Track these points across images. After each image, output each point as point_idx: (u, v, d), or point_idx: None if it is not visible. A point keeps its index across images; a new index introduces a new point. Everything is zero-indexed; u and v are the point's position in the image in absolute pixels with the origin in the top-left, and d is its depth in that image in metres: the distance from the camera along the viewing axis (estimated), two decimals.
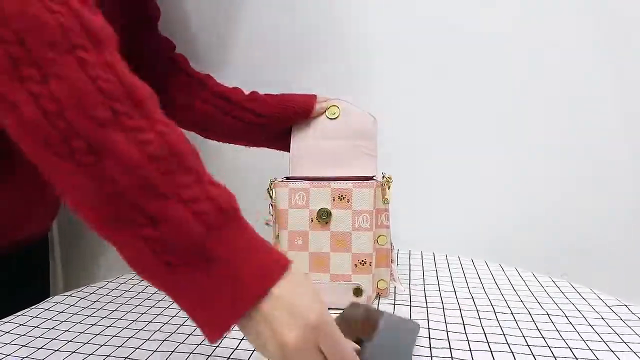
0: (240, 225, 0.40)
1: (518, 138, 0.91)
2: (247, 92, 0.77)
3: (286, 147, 0.74)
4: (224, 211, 0.39)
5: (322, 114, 0.72)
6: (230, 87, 0.78)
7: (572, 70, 0.87)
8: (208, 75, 0.79)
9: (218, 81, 0.79)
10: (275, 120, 0.73)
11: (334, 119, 0.72)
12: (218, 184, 0.40)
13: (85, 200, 0.38)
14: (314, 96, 0.73)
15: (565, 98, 0.88)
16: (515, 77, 0.89)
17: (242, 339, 0.55)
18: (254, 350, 0.53)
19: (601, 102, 0.87)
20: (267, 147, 0.80)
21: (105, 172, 0.37)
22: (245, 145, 0.81)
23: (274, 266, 0.39)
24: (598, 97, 0.87)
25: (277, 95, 0.75)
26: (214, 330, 0.37)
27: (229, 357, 0.52)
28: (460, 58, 0.90)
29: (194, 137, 0.87)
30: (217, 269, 0.37)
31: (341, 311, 0.53)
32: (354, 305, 0.55)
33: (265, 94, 0.76)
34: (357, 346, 0.44)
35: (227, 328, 0.37)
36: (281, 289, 0.38)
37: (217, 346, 0.54)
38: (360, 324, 0.52)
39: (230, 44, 0.96)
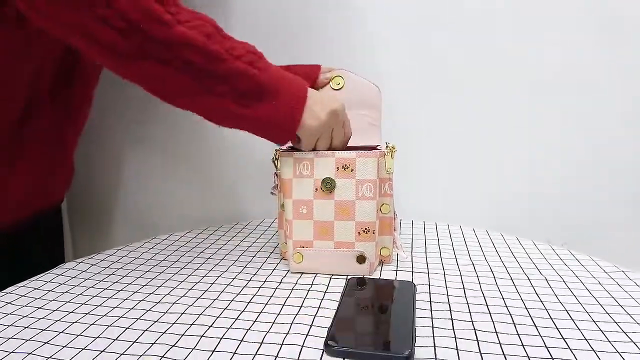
0: (269, 63, 0.59)
1: (521, 114, 0.92)
2: None
3: None
4: (261, 56, 0.58)
5: (326, 84, 0.73)
6: None
7: (576, 51, 0.87)
8: None
9: None
10: None
11: (339, 89, 0.72)
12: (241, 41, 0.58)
13: (174, 87, 0.54)
14: (318, 66, 0.73)
15: (569, 75, 0.89)
16: (519, 54, 0.89)
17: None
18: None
19: (604, 80, 0.88)
20: None
21: (184, 58, 0.52)
22: None
23: (303, 82, 0.60)
24: (601, 76, 0.88)
25: (281, 66, 0.75)
26: (286, 133, 0.60)
27: (236, 319, 0.54)
28: (465, 33, 0.90)
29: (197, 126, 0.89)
30: (275, 95, 0.57)
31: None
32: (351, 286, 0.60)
33: None
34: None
35: (297, 125, 0.59)
36: (312, 93, 0.60)
37: (226, 308, 0.56)
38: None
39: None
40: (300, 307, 0.56)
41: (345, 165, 0.64)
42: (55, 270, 0.68)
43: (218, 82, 0.55)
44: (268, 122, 0.58)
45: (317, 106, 0.60)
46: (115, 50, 0.51)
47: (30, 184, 0.74)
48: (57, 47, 0.68)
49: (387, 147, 0.67)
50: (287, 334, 0.50)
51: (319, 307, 0.56)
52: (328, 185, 0.64)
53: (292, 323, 0.52)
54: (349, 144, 0.69)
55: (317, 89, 0.73)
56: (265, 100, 0.57)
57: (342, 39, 0.94)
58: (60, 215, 0.91)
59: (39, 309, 0.56)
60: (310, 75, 0.72)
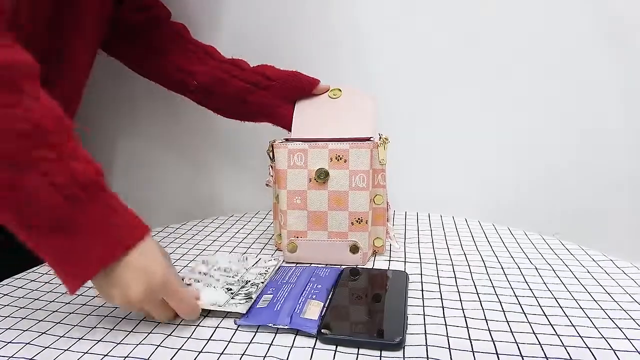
0: (100, 197, 0.45)
1: (515, 103, 0.92)
2: None
3: (287, 124, 0.75)
4: (83, 185, 0.43)
5: (325, 92, 0.75)
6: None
7: (571, 39, 0.88)
8: (212, 47, 0.79)
9: None
10: (284, 86, 0.74)
11: (336, 98, 0.74)
12: (84, 158, 0.45)
13: None
14: (317, 80, 0.75)
15: (563, 65, 0.89)
16: (514, 43, 0.89)
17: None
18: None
19: (598, 67, 0.88)
20: (268, 122, 0.79)
21: None
22: (244, 119, 0.80)
23: (128, 235, 0.46)
24: (595, 63, 0.88)
25: (286, 71, 0.76)
26: (71, 284, 0.44)
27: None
28: (458, 27, 0.90)
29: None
30: (73, 236, 0.43)
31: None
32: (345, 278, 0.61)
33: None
34: (196, 293, 0.54)
35: (79, 284, 0.44)
36: (132, 255, 0.46)
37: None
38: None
39: (224, 43, 0.96)
40: None
41: (339, 156, 0.65)
42: None
43: (6, 191, 0.41)
44: (50, 255, 0.44)
45: (131, 275, 0.46)
46: None
47: None
48: (42, 38, 0.67)
49: (380, 138, 0.68)
50: None
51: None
52: (322, 176, 0.65)
53: None
54: (342, 136, 0.70)
55: (315, 96, 0.76)
56: (59, 232, 0.43)
57: (334, 34, 0.94)
58: None
59: (36, 300, 0.57)
60: (310, 81, 0.74)
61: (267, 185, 0.72)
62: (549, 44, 0.89)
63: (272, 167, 0.70)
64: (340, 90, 0.75)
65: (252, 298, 0.55)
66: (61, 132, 0.43)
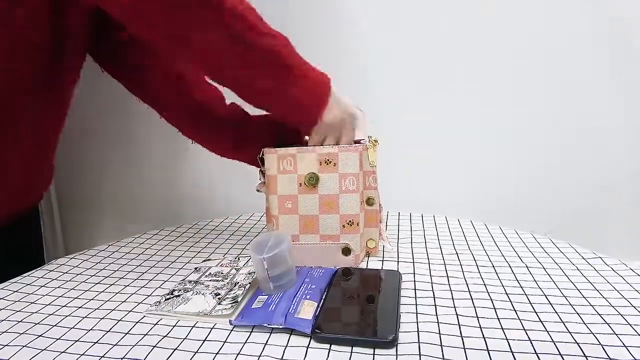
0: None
1: (506, 104, 0.93)
2: None
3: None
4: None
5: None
6: None
7: (571, 38, 0.89)
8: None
9: None
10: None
11: None
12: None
13: (216, 52, 0.57)
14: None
15: (562, 64, 0.90)
16: (514, 43, 0.91)
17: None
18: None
19: (598, 67, 0.89)
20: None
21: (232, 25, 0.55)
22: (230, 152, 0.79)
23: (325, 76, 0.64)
24: (595, 63, 0.89)
25: None
26: (316, 111, 0.63)
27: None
28: (450, 31, 0.91)
29: None
30: (304, 78, 0.61)
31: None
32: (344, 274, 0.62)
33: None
34: None
35: (324, 109, 0.63)
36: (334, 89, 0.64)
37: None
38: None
39: None
40: None
41: (328, 160, 0.66)
42: (47, 267, 0.69)
43: (259, 56, 0.58)
44: (301, 100, 0.62)
45: (338, 102, 0.64)
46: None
47: (12, 183, 0.74)
48: (37, 54, 0.67)
49: (369, 140, 0.68)
50: None
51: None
52: (312, 180, 0.66)
53: None
54: None
55: None
56: (299, 80, 0.61)
57: (330, 38, 0.95)
58: (38, 214, 0.90)
59: (32, 304, 0.57)
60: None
61: (257, 190, 0.73)
62: (549, 43, 0.90)
63: (262, 172, 0.70)
64: None
65: (237, 302, 0.55)
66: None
